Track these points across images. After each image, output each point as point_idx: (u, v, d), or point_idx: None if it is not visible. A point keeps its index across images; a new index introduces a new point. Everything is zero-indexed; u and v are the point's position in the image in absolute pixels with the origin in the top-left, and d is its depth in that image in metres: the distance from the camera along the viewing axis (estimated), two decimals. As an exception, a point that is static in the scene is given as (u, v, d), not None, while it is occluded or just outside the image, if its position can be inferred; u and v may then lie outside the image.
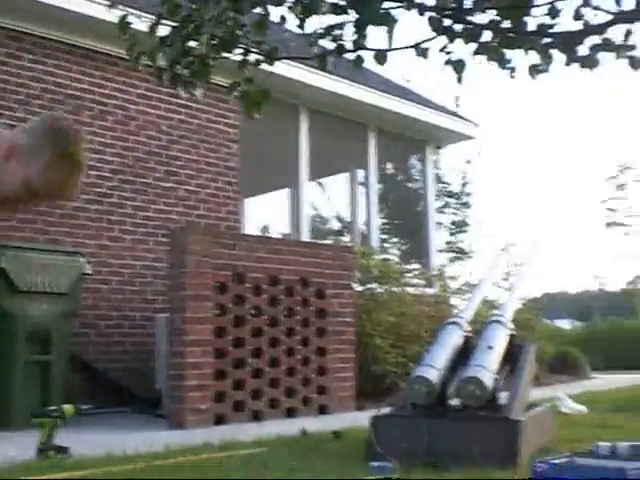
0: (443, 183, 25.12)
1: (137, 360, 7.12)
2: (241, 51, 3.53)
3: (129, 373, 7.03)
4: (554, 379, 9.96)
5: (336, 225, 15.88)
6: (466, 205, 26.35)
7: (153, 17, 3.62)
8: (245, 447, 4.39)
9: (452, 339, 4.33)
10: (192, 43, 3.55)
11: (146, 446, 4.33)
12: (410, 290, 8.99)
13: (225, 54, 3.55)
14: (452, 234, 26.93)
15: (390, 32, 2.98)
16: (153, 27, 3.61)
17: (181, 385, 5.64)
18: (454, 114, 12.26)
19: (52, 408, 4.36)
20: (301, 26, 3.22)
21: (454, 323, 4.48)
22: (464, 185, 25.70)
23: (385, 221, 16.63)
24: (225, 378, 5.86)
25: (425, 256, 11.21)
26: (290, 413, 6.22)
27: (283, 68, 8.07)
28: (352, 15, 3.02)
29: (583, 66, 3.47)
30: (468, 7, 3.33)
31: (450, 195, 25.70)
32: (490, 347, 4.12)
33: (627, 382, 9.59)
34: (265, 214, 13.53)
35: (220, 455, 4.13)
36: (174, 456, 4.09)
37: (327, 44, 3.22)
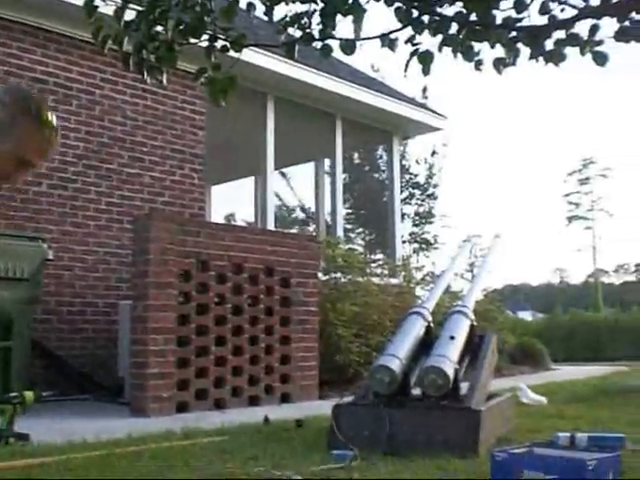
0: (409, 174, 25.26)
1: (100, 347, 7.08)
2: (208, 37, 3.51)
3: (91, 360, 6.98)
4: (515, 370, 10.06)
5: (301, 215, 15.90)
6: (431, 196, 26.54)
7: (120, 1, 3.58)
8: (207, 435, 4.38)
9: (415, 329, 4.36)
10: (159, 28, 3.52)
11: (107, 434, 4.31)
12: (374, 280, 9.02)
13: (192, 40, 3.52)
14: (417, 225, 27.10)
15: (357, 22, 2.98)
16: (119, 11, 3.57)
17: (143, 373, 5.61)
18: (421, 106, 12.32)
19: (13, 395, 4.30)
20: (268, 13, 3.21)
21: (417, 313, 4.51)
22: (430, 177, 25.87)
23: (350, 211, 16.70)
24: (188, 366, 5.84)
25: (390, 246, 11.26)
26: (253, 401, 6.22)
27: (251, 56, 8.05)
28: (319, 4, 3.02)
29: (548, 61, 3.50)
30: (436, -1, 3.35)
31: (416, 186, 25.85)
32: (452, 337, 4.16)
33: (586, 373, 9.73)
34: (231, 202, 13.51)
35: (182, 443, 4.12)
36: (135, 444, 4.07)
37: (295, 32, 3.22)
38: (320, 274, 7.61)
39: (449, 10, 3.50)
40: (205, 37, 3.55)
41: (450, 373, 3.82)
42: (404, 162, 24.31)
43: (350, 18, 2.97)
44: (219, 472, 3.30)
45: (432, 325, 4.53)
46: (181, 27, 3.47)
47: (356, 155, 16.65)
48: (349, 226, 16.35)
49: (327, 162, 11.44)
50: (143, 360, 5.62)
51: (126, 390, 6.18)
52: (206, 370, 5.95)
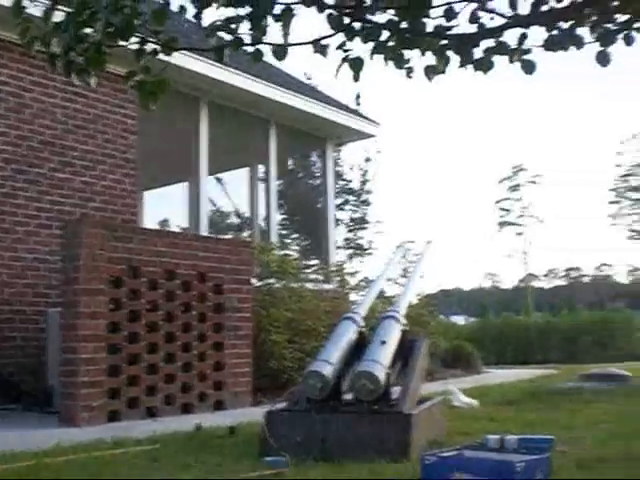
0: (343, 180, 25.36)
1: (28, 356, 6.93)
2: (138, 40, 3.46)
3: (20, 369, 6.83)
4: (448, 373, 10.16)
5: (236, 220, 15.81)
6: (365, 202, 26.68)
7: (48, 2, 3.51)
8: (138, 444, 4.33)
9: (347, 334, 4.37)
10: (87, 30, 3.46)
11: (36, 444, 4.22)
12: (309, 286, 9.03)
13: (121, 42, 3.47)
14: (351, 231, 27.22)
15: (286, 26, 2.98)
16: (48, 12, 3.50)
17: (73, 381, 5.51)
18: (355, 113, 12.38)
19: None
20: (198, 17, 3.18)
21: (349, 319, 4.52)
22: (364, 183, 26.01)
23: (285, 217, 16.69)
24: (119, 374, 5.75)
25: (324, 252, 11.28)
26: (186, 409, 6.16)
27: (185, 60, 8.00)
28: (247, 8, 3.01)
29: (477, 68, 3.54)
30: (367, 5, 3.36)
31: (350, 192, 25.96)
32: (384, 342, 4.18)
33: (516, 376, 9.89)
34: (165, 208, 13.38)
35: (112, 452, 4.06)
36: (65, 454, 3.99)
37: (226, 36, 3.20)
38: (254, 280, 7.58)
39: (381, 17, 3.52)
40: (135, 40, 3.50)
41: (381, 378, 3.84)
42: (338, 168, 24.42)
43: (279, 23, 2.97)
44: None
45: (365, 330, 4.55)
46: (110, 29, 3.42)
47: (290, 161, 16.65)
48: (284, 232, 16.33)
49: (261, 168, 11.41)
50: (73, 368, 5.51)
51: (56, 399, 6.06)
52: (138, 378, 5.87)
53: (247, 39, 3.15)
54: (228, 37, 3.16)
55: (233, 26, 3.09)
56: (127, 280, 5.89)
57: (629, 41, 3.31)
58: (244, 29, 3.11)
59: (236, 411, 6.19)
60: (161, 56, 3.39)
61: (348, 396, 4.06)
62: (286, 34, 3.02)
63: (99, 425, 5.38)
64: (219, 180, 12.64)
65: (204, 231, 9.09)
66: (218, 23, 3.09)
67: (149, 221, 12.31)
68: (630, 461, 3.34)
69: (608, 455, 3.50)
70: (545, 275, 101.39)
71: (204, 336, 6.42)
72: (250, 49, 3.22)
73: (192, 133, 9.31)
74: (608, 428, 4.52)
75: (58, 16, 3.54)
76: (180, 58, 7.76)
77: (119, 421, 5.60)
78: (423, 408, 4.16)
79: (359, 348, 4.30)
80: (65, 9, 3.53)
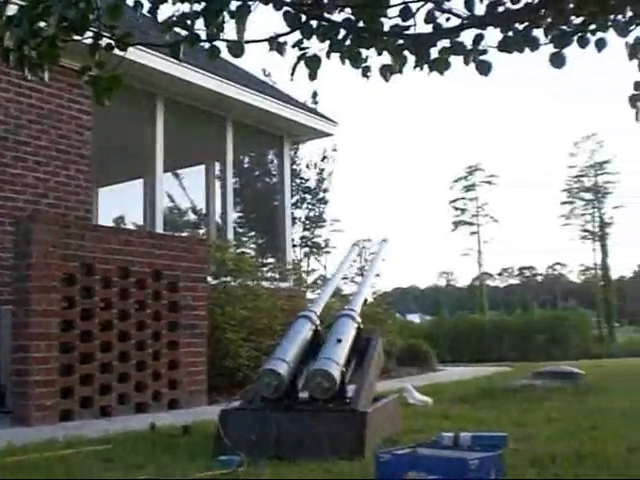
0: (300, 178, 25.37)
1: (-22, 354, 6.80)
2: (93, 35, 3.41)
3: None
4: (403, 371, 10.23)
5: (193, 217, 15.71)
6: (322, 201, 26.72)
7: (0, -5, 3.45)
8: (91, 444, 4.28)
9: (302, 333, 4.37)
10: (41, 24, 3.41)
11: (-15, 444, 4.15)
12: (265, 284, 9.01)
13: (76, 37, 3.42)
14: (308, 229, 27.24)
15: (240, 22, 2.96)
16: (1, 6, 3.44)
17: (25, 380, 5.43)
18: (312, 111, 12.40)
19: None
20: (153, 12, 3.14)
21: (305, 317, 4.52)
22: (320, 181, 26.05)
23: (241, 215, 16.63)
24: (72, 373, 5.68)
25: (281, 250, 11.26)
26: (140, 408, 6.10)
27: (141, 56, 7.92)
28: (202, 3, 2.98)
29: (433, 69, 3.56)
30: (324, 3, 3.35)
31: (306, 191, 25.98)
32: (339, 340, 4.19)
33: (471, 374, 9.98)
34: (120, 205, 13.22)
35: (64, 452, 4.00)
36: (16, 454, 3.93)
37: (182, 32, 3.16)
38: (209, 278, 7.54)
39: (338, 16, 3.51)
40: (90, 34, 3.46)
41: (336, 376, 3.85)
42: (295, 166, 24.43)
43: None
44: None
45: (320, 328, 4.55)
46: (65, 24, 3.37)
47: (247, 159, 16.60)
48: (240, 230, 16.27)
49: (218, 165, 11.35)
50: (25, 367, 5.43)
51: (8, 399, 5.96)
52: (91, 377, 5.80)
53: (204, 35, 3.13)
54: (184, 33, 3.13)
55: (189, 22, 3.06)
56: (80, 278, 5.82)
57: (583, 43, 3.34)
58: (201, 25, 3.09)
59: (191, 410, 6.15)
60: (116, 51, 3.35)
61: (303, 394, 4.06)
62: (241, 31, 2.99)
63: (52, 424, 5.31)
64: (177, 176, 12.55)
65: (160, 228, 9.01)
66: (174, 19, 3.06)
67: (104, 218, 12.17)
68: (581, 458, 3.38)
69: (560, 452, 3.54)
70: (499, 274, 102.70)
71: (159, 334, 6.37)
72: (207, 45, 3.19)
73: (148, 129, 9.22)
74: (560, 425, 4.58)
75: (12, 9, 3.48)
76: (136, 54, 7.69)
77: (72, 420, 5.54)
78: (378, 406, 4.18)
79: (315, 346, 4.30)
80: (19, 2, 3.47)
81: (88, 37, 3.37)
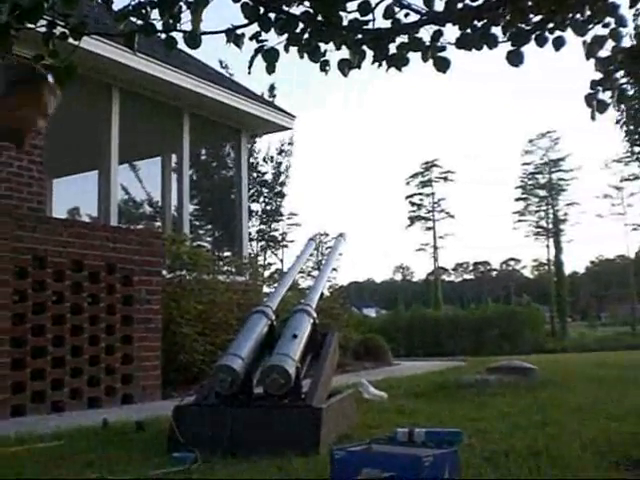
0: (257, 172, 25.31)
1: None
2: (47, 23, 3.34)
3: None
4: (359, 365, 10.25)
5: (148, 210, 15.57)
6: (279, 194, 26.71)
7: (-50, -19, 3.36)
8: (43, 440, 4.20)
9: (258, 328, 4.34)
10: (-7, 12, 3.33)
11: None
12: (221, 278, 8.96)
13: (29, 25, 3.35)
14: (265, 223, 27.21)
15: (196, 14, 2.91)
16: (-50, -8, 3.35)
17: (-26, 375, 5.32)
18: (270, 104, 12.36)
19: None
20: (107, 1, 3.09)
21: (260, 312, 4.49)
22: (277, 175, 26.02)
23: (198, 208, 16.53)
24: (24, 368, 5.58)
25: (237, 244, 11.21)
26: (93, 403, 6.03)
27: (96, 45, 7.80)
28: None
29: (391, 64, 3.55)
30: (283, -4, 3.32)
31: (264, 184, 25.94)
32: (294, 336, 4.16)
33: (426, 368, 10.03)
34: (75, 196, 13.02)
35: (15, 449, 3.93)
36: (-36, 451, 3.85)
37: (137, 22, 3.12)
38: (164, 271, 7.47)
39: (297, 9, 3.49)
40: (44, 23, 3.38)
41: (292, 372, 3.83)
42: (252, 160, 24.36)
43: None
44: None
45: (275, 324, 4.53)
46: (18, 11, 3.29)
47: (204, 151, 16.49)
48: (196, 223, 16.17)
49: (174, 157, 11.25)
50: (-26, 362, 5.33)
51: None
52: (43, 372, 5.71)
53: (160, 26, 3.08)
54: (140, 23, 3.08)
55: (144, 11, 3.01)
56: (32, 271, 5.72)
57: (541, 42, 3.36)
58: (157, 15, 3.04)
59: (145, 405, 6.09)
60: (71, 40, 3.29)
61: (258, 390, 4.03)
62: (197, 22, 2.95)
63: (3, 420, 5.22)
64: (133, 167, 12.42)
65: (114, 221, 8.90)
66: (129, 8, 3.00)
67: (58, 210, 12.00)
68: (534, 454, 3.40)
69: (514, 448, 3.56)
70: (454, 269, 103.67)
71: (112, 329, 6.29)
72: (163, 36, 3.14)
73: (103, 120, 9.10)
74: (514, 421, 4.61)
75: (-38, -4, 3.40)
76: (91, 43, 7.58)
77: (24, 416, 5.45)
78: (333, 401, 4.16)
79: (270, 342, 4.27)
80: (-31, -11, 3.39)
81: (42, 25, 3.30)
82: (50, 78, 2.95)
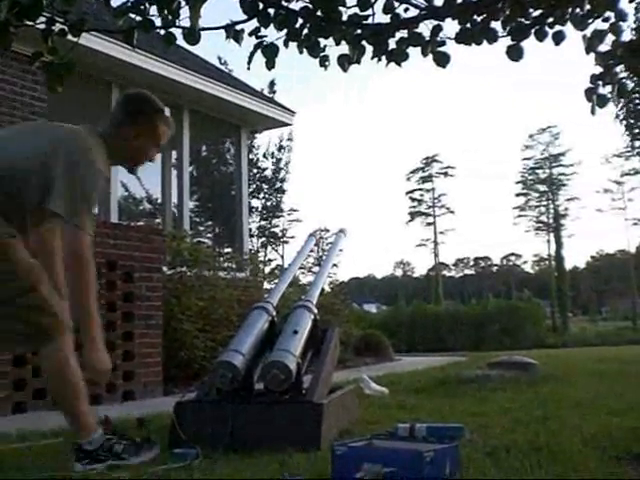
0: (257, 168, 25.30)
1: None
2: (46, 20, 3.34)
3: None
4: (359, 361, 10.26)
5: (148, 207, 15.58)
6: (279, 190, 26.71)
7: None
8: (44, 437, 4.21)
9: (258, 324, 4.34)
10: (-8, 9, 3.33)
11: None
12: (221, 274, 8.96)
13: (28, 22, 3.35)
14: (265, 219, 27.20)
15: (194, 9, 2.91)
16: (-51, -11, 3.35)
17: (-24, 372, 5.33)
18: (270, 100, 12.35)
19: None
20: (106, -2, 3.09)
21: (261, 308, 4.48)
22: (278, 171, 26.01)
23: (198, 204, 16.52)
24: (25, 364, 5.58)
25: (237, 240, 11.21)
26: (94, 400, 5.97)
27: (95, 42, 7.81)
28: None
29: (390, 60, 3.55)
30: (282, -9, 3.32)
31: (264, 180, 25.93)
32: (295, 332, 4.16)
33: (427, 364, 10.03)
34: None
35: (16, 446, 3.93)
36: (-35, 448, 3.85)
37: (136, 18, 3.12)
38: (165, 268, 7.47)
39: (296, 5, 3.48)
40: (43, 20, 3.39)
41: (292, 367, 3.83)
42: (252, 156, 24.35)
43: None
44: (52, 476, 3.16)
45: (276, 320, 4.52)
46: (17, 9, 3.29)
47: (204, 147, 16.49)
48: (197, 219, 16.16)
49: (174, 154, 11.24)
50: (-25, 359, 5.33)
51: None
52: (44, 368, 5.71)
53: (158, 22, 3.08)
54: (139, 19, 3.08)
55: (143, 8, 3.01)
56: (33, 268, 5.71)
57: (541, 36, 3.36)
58: (155, 11, 3.04)
59: (146, 402, 6.09)
60: (70, 37, 3.29)
61: (259, 386, 4.03)
62: (195, 18, 2.95)
63: (4, 417, 5.22)
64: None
65: (114, 218, 8.90)
66: (128, 4, 3.00)
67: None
68: (536, 449, 3.40)
69: (515, 443, 3.56)
70: (455, 264, 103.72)
71: (113, 325, 6.29)
72: (162, 32, 3.14)
73: (103, 117, 9.07)
74: (515, 416, 4.61)
75: (-40, -7, 3.39)
76: (90, 40, 7.58)
77: (25, 413, 5.45)
78: (334, 397, 4.16)
79: (271, 338, 4.27)
80: (-32, -14, 3.38)
81: (41, 22, 3.30)
82: (167, 111, 3.57)
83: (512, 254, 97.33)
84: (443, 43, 3.59)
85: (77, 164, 3.10)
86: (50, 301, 3.23)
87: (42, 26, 3.39)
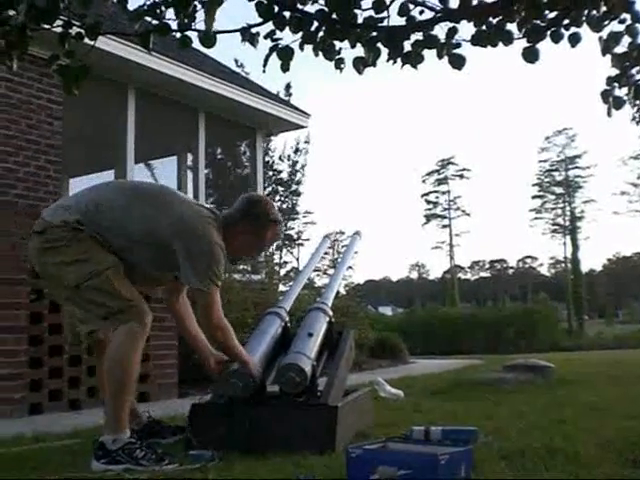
0: (273, 170, 25.32)
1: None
2: (62, 23, 3.36)
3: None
4: (375, 364, 10.24)
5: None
6: (295, 193, 26.72)
7: (-33, -18, 3.38)
8: (60, 438, 4.23)
9: (271, 330, 4.33)
10: (10, 12, 3.35)
11: (-49, 439, 4.09)
12: (236, 277, 8.97)
13: (45, 25, 3.37)
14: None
15: (209, 14, 2.92)
16: (-32, -7, 3.37)
17: (-7, 374, 5.36)
18: (286, 103, 12.36)
19: None
20: (122, 1, 3.10)
21: (273, 313, 4.48)
22: (293, 173, 26.02)
23: (214, 207, 16.59)
24: (41, 366, 5.62)
25: (253, 243, 11.20)
26: (109, 401, 6.04)
27: (112, 45, 7.84)
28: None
29: (406, 62, 3.54)
30: (297, -6, 3.32)
31: (279, 183, 25.95)
32: (310, 334, 4.16)
33: (442, 367, 10.02)
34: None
35: (32, 447, 3.96)
36: (-18, 449, 3.88)
37: (152, 22, 3.13)
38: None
39: (311, 7, 3.49)
40: (60, 23, 3.40)
41: (307, 370, 3.82)
42: (268, 158, 24.38)
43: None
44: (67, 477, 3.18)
45: (289, 324, 4.52)
46: (34, 12, 3.31)
47: (219, 150, 16.53)
48: (212, 222, 16.20)
49: (190, 156, 11.28)
50: (-8, 360, 5.36)
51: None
52: (60, 370, 5.75)
53: (174, 25, 3.09)
54: (155, 22, 3.09)
55: (159, 11, 3.02)
56: (49, 270, 5.74)
57: (557, 38, 3.34)
58: (171, 14, 3.05)
59: (161, 403, 6.11)
60: (86, 40, 3.30)
61: (274, 388, 4.03)
62: (210, 21, 2.95)
63: (20, 418, 5.26)
64: (149, 166, 12.47)
65: (130, 220, 8.93)
66: (144, 8, 3.01)
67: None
68: (551, 453, 3.39)
69: (530, 446, 3.55)
70: (471, 267, 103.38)
71: (129, 327, 6.30)
72: (178, 35, 3.15)
73: (119, 120, 9.13)
74: (530, 419, 4.59)
75: (-22, -3, 3.42)
76: (107, 43, 7.62)
77: (41, 414, 5.48)
78: (349, 400, 4.16)
79: (284, 342, 4.27)
80: (-14, -11, 3.41)
81: (58, 26, 3.32)
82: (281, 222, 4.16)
83: (528, 257, 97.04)
84: (459, 45, 3.58)
85: (202, 242, 3.60)
86: (119, 287, 3.53)
87: (59, 29, 3.41)
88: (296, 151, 25.86)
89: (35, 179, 7.74)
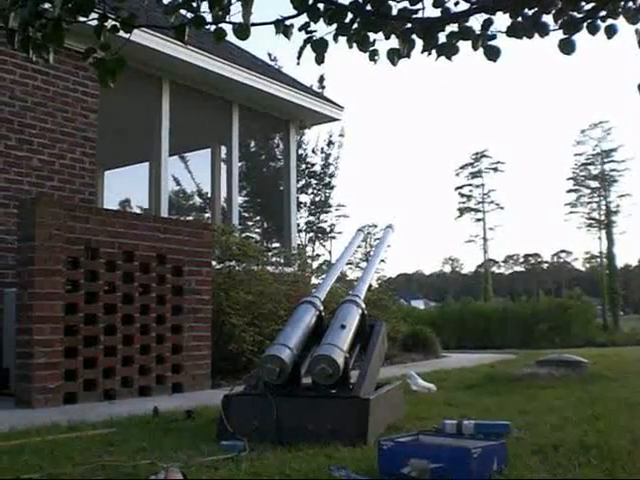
0: (306, 163, 25.34)
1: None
2: (98, 16, 3.39)
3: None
4: (407, 357, 10.22)
5: (198, 201, 15.71)
6: (328, 186, 26.71)
7: (5, -24, 3.41)
8: (94, 427, 4.28)
9: (306, 318, 4.35)
10: (46, 5, 3.38)
11: (-11, 426, 4.15)
12: (269, 269, 9.00)
13: (80, 18, 3.40)
14: (313, 214, 27.23)
15: (246, 6, 2.92)
16: (5, -14, 3.41)
17: (29, 363, 5.43)
18: (319, 96, 12.35)
19: None
20: (157, -6, 3.12)
21: (308, 302, 4.50)
22: (326, 166, 26.01)
23: (247, 199, 16.61)
24: (76, 356, 5.68)
25: (285, 235, 11.25)
26: (143, 392, 6.11)
27: (147, 39, 7.90)
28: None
29: (441, 54, 3.52)
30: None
31: (312, 175, 25.96)
32: (343, 326, 4.16)
33: (475, 361, 9.97)
34: (126, 188, 13.19)
35: (67, 436, 4.00)
36: (18, 437, 3.93)
37: (187, 15, 3.14)
38: (214, 262, 7.53)
39: (346, 0, 3.47)
40: (95, 16, 3.43)
41: (340, 362, 3.83)
42: (301, 151, 24.39)
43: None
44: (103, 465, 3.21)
45: (323, 314, 4.53)
46: (69, 5, 3.34)
47: (253, 143, 16.57)
48: (245, 214, 16.26)
49: (224, 149, 11.32)
50: (28, 350, 5.43)
51: (11, 381, 5.97)
52: (95, 360, 5.81)
53: (209, 18, 3.10)
54: (189, 15, 3.10)
55: (194, 4, 3.03)
56: (85, 261, 5.81)
57: (593, 30, 3.30)
58: (206, 7, 3.06)
59: (194, 394, 6.16)
60: (121, 33, 3.32)
61: (306, 380, 4.04)
62: (247, 13, 2.96)
63: (55, 407, 5.32)
64: (183, 159, 12.55)
65: (165, 212, 9.00)
66: (179, 1, 3.02)
67: (110, 201, 12.17)
68: (584, 448, 3.36)
69: (563, 441, 3.52)
70: (504, 261, 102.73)
71: (163, 318, 6.36)
72: (212, 28, 3.16)
73: (154, 112, 9.19)
74: (564, 414, 4.56)
75: (16, -10, 3.45)
76: (142, 36, 7.67)
77: (76, 403, 5.55)
78: (381, 392, 4.16)
79: (318, 332, 4.28)
80: (23, -17, 3.44)
81: (93, 19, 3.34)
82: None
83: (562, 251, 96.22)
84: (494, 37, 3.55)
85: None
86: None
87: (94, 22, 3.43)
88: (329, 144, 25.83)
89: (70, 171, 7.82)
